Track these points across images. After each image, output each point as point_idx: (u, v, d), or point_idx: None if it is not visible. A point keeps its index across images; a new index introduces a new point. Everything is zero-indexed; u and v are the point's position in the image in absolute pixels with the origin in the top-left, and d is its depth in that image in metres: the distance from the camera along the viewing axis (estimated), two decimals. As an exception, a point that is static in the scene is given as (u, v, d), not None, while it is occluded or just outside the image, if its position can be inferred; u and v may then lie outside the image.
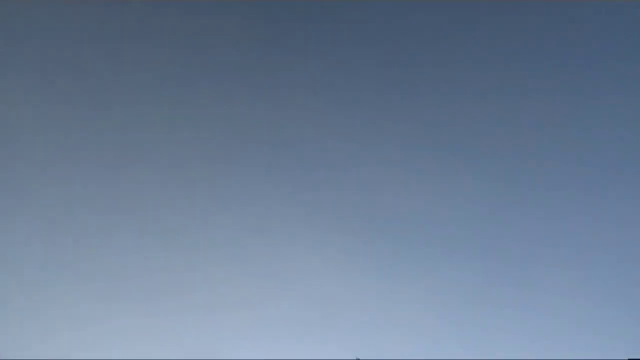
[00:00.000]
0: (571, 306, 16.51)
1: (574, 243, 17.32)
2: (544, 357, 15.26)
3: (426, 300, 18.44)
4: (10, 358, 14.20)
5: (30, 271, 15.70)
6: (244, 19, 19.60)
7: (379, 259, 19.67)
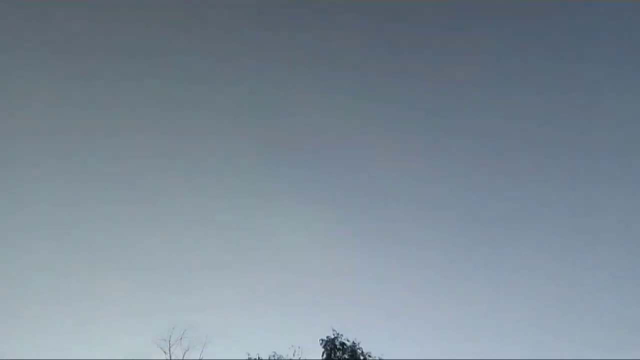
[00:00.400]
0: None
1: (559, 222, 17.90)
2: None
3: (410, 271, 19.02)
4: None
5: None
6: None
7: (365, 232, 20.35)
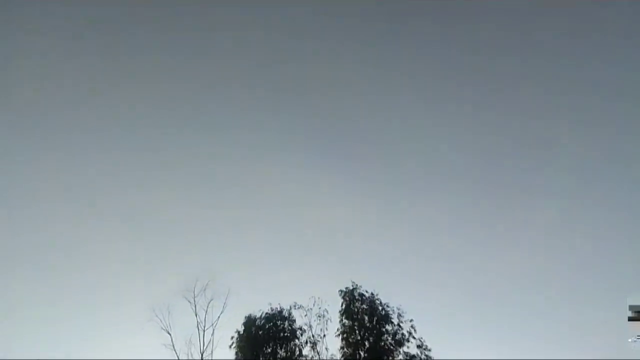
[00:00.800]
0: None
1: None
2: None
3: (420, 222, 19.10)
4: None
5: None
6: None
7: (378, 184, 20.26)
